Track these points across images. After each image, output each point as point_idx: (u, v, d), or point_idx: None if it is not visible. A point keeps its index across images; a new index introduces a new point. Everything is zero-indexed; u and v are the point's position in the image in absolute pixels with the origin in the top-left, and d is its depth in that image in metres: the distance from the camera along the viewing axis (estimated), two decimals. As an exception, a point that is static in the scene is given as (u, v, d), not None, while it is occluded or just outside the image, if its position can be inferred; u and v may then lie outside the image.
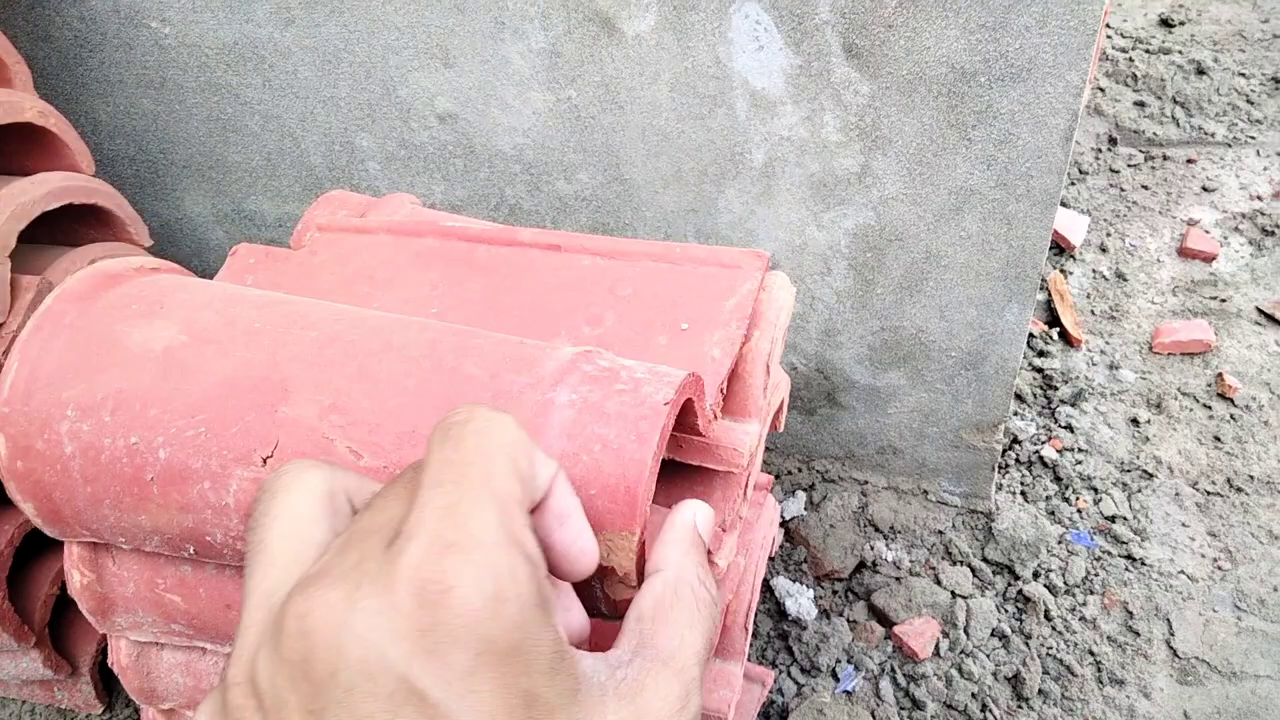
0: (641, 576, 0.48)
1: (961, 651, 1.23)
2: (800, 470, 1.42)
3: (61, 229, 1.15)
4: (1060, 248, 1.85)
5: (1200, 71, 2.24)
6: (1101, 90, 2.24)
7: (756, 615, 1.28)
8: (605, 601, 0.54)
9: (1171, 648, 1.27)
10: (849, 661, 1.22)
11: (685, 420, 0.69)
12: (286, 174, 1.29)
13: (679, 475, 0.86)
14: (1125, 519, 1.41)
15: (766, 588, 1.31)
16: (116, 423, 0.57)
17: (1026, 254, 1.09)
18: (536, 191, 1.21)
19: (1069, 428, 1.52)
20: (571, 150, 1.17)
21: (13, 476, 0.60)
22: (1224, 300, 1.75)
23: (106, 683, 1.24)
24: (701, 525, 0.46)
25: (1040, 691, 1.21)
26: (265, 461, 0.55)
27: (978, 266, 1.12)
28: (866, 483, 1.39)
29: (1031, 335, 1.67)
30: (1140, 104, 2.19)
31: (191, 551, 0.61)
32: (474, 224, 0.94)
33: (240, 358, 0.59)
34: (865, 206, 1.11)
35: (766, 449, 1.43)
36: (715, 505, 0.86)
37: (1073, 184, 2.01)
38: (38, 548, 1.13)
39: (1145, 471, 1.48)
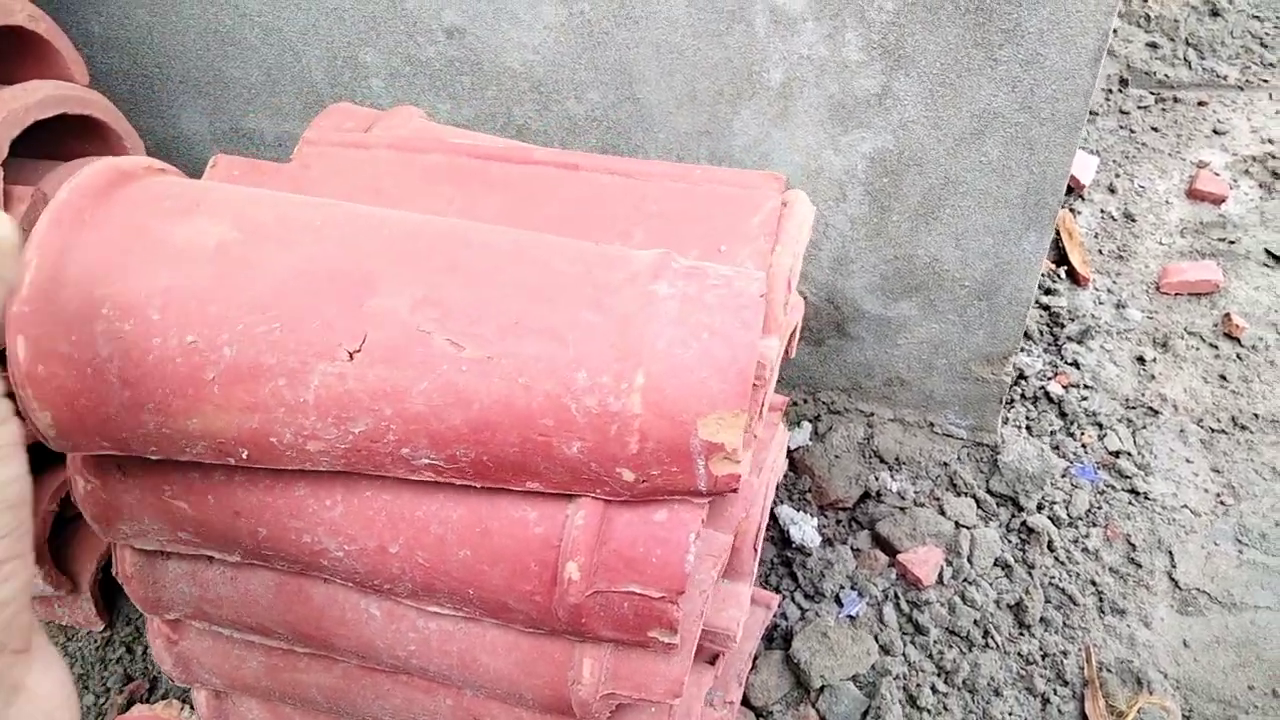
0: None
1: (965, 580, 1.24)
2: (806, 402, 1.41)
3: (52, 143, 1.11)
4: (1070, 187, 1.83)
5: (1214, 13, 2.20)
6: (1114, 31, 2.20)
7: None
8: (707, 478, 0.54)
9: (1173, 579, 1.28)
10: (853, 588, 1.23)
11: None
12: (287, 90, 1.26)
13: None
14: (1129, 454, 1.41)
15: (771, 516, 1.31)
16: (168, 321, 0.55)
17: (1047, 181, 1.07)
18: (545, 111, 1.18)
19: (1075, 364, 1.52)
20: (583, 68, 1.14)
21: (31, 383, 0.57)
22: (1233, 242, 1.74)
23: (108, 601, 1.23)
24: None
25: (1042, 619, 1.22)
26: (352, 356, 0.53)
27: (997, 193, 1.10)
28: (873, 414, 1.39)
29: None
30: (1152, 45, 2.15)
31: (244, 456, 0.59)
32: (482, 140, 0.91)
33: (308, 252, 0.57)
34: (884, 130, 1.09)
35: (773, 380, 1.42)
36: (733, 421, 0.85)
37: (1082, 123, 1.98)
38: (36, 464, 1.12)
39: (1150, 408, 1.48)
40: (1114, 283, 1.68)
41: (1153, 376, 1.53)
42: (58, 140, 1.11)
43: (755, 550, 1.02)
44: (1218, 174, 1.86)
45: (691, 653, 0.75)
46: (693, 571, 0.67)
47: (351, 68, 1.22)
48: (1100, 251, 1.74)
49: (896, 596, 1.23)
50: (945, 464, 1.36)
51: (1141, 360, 1.55)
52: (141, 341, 0.55)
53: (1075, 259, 1.66)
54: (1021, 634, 1.21)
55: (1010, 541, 1.29)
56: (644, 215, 0.78)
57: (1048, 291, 1.64)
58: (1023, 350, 1.54)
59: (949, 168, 1.09)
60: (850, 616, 1.20)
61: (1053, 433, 1.43)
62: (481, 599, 0.72)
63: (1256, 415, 1.46)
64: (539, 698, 0.78)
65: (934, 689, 1.15)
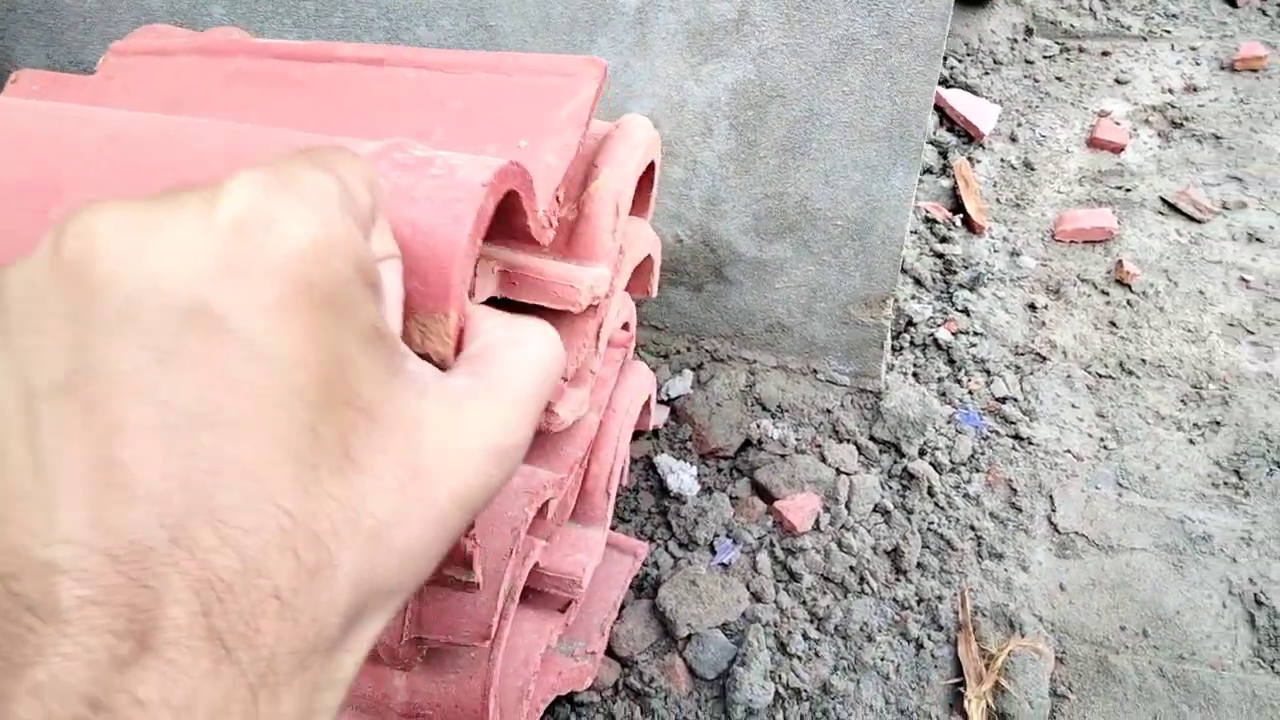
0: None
1: (842, 526, 1.22)
2: (689, 349, 1.38)
3: None
4: (970, 136, 1.81)
5: (1122, -36, 2.19)
6: (1023, -19, 2.18)
7: (638, 492, 1.25)
8: None
9: (1052, 523, 1.27)
10: (728, 536, 1.20)
11: (514, 224, 0.63)
12: (124, 19, 1.18)
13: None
14: (1015, 400, 1.40)
15: (650, 465, 1.27)
16: None
17: (910, 111, 1.04)
18: (395, 39, 1.12)
19: (965, 311, 1.50)
20: (434, -6, 1.08)
21: None
22: (1129, 190, 1.73)
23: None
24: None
25: (919, 564, 1.20)
26: None
27: (861, 125, 1.07)
28: (755, 362, 1.36)
29: (934, 221, 1.64)
30: (1060, -5, 2.14)
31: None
32: (293, 42, 0.85)
33: (2, 159, 0.52)
34: (744, 58, 1.05)
35: (654, 328, 1.38)
36: (557, 352, 0.80)
37: (986, 74, 1.96)
38: None
39: (1039, 355, 1.47)
40: (1010, 231, 1.66)
41: (1043, 323, 1.51)
42: None
43: (609, 495, 0.98)
44: (1118, 123, 1.86)
45: (502, 594, 0.71)
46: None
47: (194, -4, 1.15)
48: (998, 200, 1.72)
49: (772, 544, 1.20)
50: (828, 411, 1.33)
51: (1033, 307, 1.54)
52: None
53: (971, 207, 1.64)
54: (898, 579, 1.19)
55: (890, 488, 1.27)
56: (446, 111, 0.73)
57: (943, 240, 1.62)
58: (913, 298, 1.52)
59: (811, 99, 1.05)
60: (723, 564, 1.18)
61: (940, 379, 1.41)
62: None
63: (1144, 360, 1.46)
64: (346, 644, 0.73)
65: (805, 635, 1.12)
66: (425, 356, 0.42)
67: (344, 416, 0.25)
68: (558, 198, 0.66)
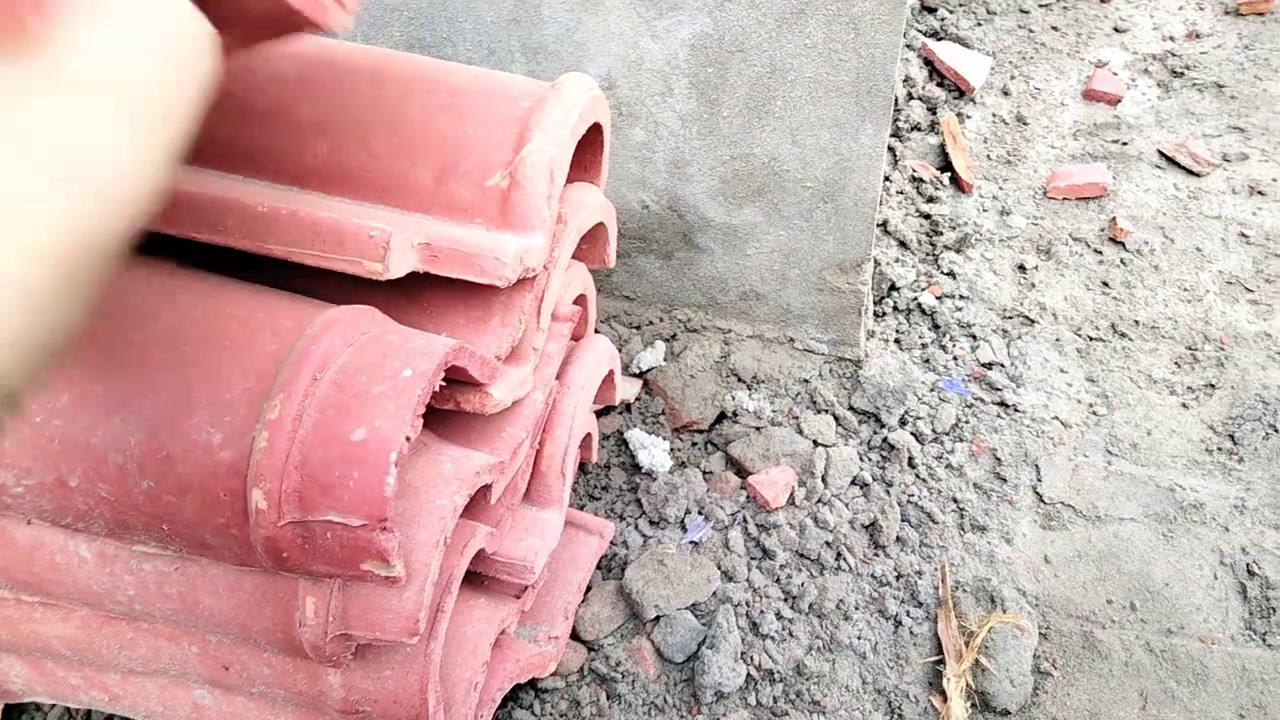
0: None
1: (818, 500, 1.18)
2: (661, 320, 1.33)
3: None
4: (960, 90, 1.74)
5: (1123, -95, 2.09)
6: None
7: (609, 469, 1.21)
8: None
9: (1038, 493, 1.22)
10: (699, 513, 1.16)
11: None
12: None
13: (453, 294, 0.76)
14: (1002, 365, 1.35)
15: (621, 440, 1.23)
16: None
17: (876, 64, 0.98)
18: (339, 1, 1.07)
19: (951, 274, 1.44)
20: (376, -48, 1.02)
21: None
22: (1125, 143, 1.66)
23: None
24: None
25: (898, 539, 1.16)
26: None
27: (826, 81, 1.01)
28: (730, 331, 1.31)
29: (921, 180, 1.57)
30: (1057, -60, 2.05)
31: None
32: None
33: None
34: (700, 11, 0.99)
35: (625, 298, 1.34)
36: (491, 329, 0.76)
37: (979, 24, 1.88)
38: None
39: (1027, 318, 1.41)
40: (1000, 189, 1.60)
41: (1033, 285, 1.46)
42: None
43: (564, 475, 0.94)
44: (1116, 73, 1.78)
45: (430, 586, 0.67)
46: (394, 496, 0.58)
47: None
48: (988, 157, 1.65)
49: (745, 520, 1.16)
50: (805, 381, 1.28)
51: (1022, 268, 1.48)
52: None
53: (959, 165, 1.58)
54: (876, 555, 1.15)
55: (870, 459, 1.23)
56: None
57: (930, 199, 1.56)
58: (897, 261, 1.46)
59: (773, 53, 0.99)
60: (694, 542, 1.14)
61: (924, 345, 1.36)
62: (178, 534, 0.64)
63: (1137, 322, 1.40)
64: (272, 641, 0.70)
65: (778, 614, 1.09)
66: None
67: None
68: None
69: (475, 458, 0.74)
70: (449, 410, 0.76)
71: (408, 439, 0.59)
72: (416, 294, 0.76)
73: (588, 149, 0.87)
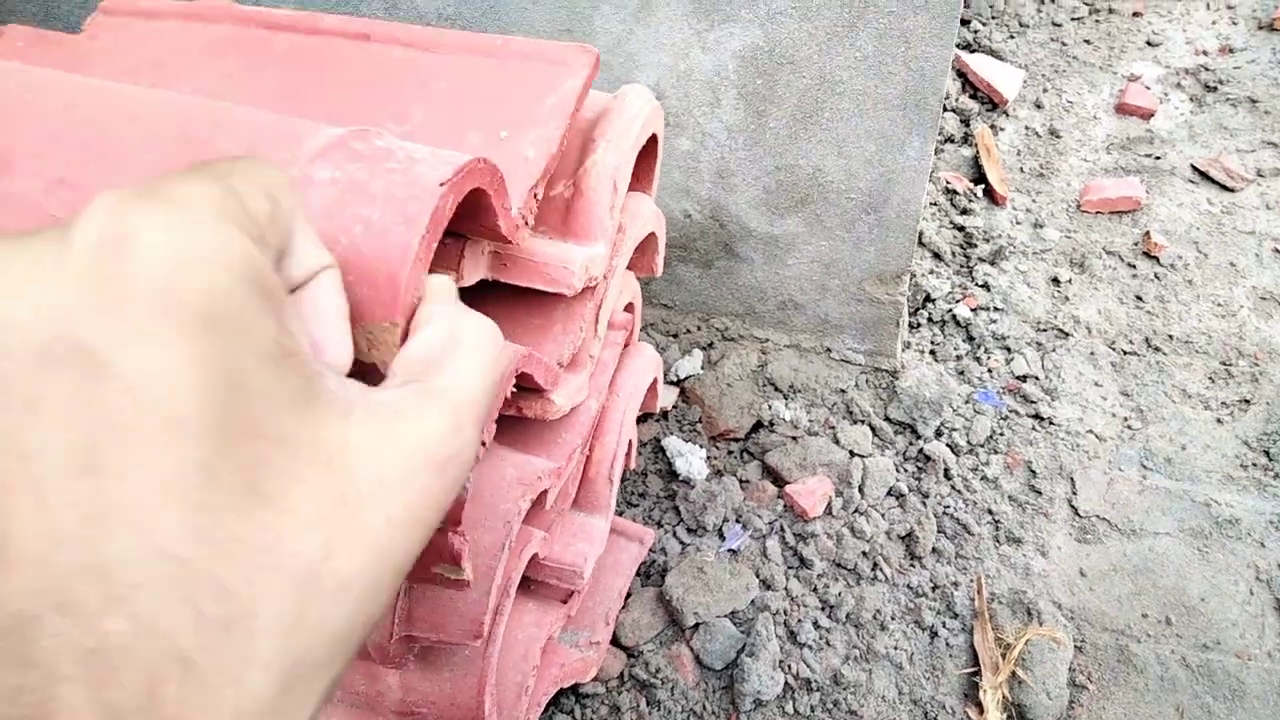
0: None
1: (855, 510, 1.18)
2: (699, 328, 1.34)
3: None
4: (993, 103, 1.74)
5: (1155, -81, 2.10)
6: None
7: (646, 476, 1.22)
8: None
9: (1073, 506, 1.23)
10: (737, 521, 1.17)
11: (485, 222, 0.60)
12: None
13: (516, 302, 0.77)
14: (1037, 378, 1.35)
15: (658, 448, 1.24)
16: None
17: (927, 78, 0.99)
18: (394, 9, 1.08)
19: (985, 286, 1.45)
20: (430, -40, 1.04)
21: None
22: (1158, 158, 1.67)
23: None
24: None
25: (934, 550, 1.17)
26: None
27: (875, 94, 1.02)
28: (767, 340, 1.32)
29: (955, 192, 1.58)
30: (1089, -47, 2.05)
31: None
32: (279, 12, 0.82)
33: None
34: (752, 23, 1.00)
35: (664, 306, 1.35)
36: (553, 337, 0.77)
37: (1011, 37, 1.89)
38: None
39: (1061, 330, 1.42)
40: (1034, 202, 1.61)
41: (1066, 298, 1.46)
42: None
43: (612, 482, 0.95)
44: (1148, 87, 1.78)
45: (495, 590, 0.68)
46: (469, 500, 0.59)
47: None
48: (1022, 169, 1.66)
49: (782, 529, 1.17)
50: (842, 391, 1.29)
51: (1056, 281, 1.48)
52: None
53: (993, 177, 1.58)
54: (912, 565, 1.16)
55: (905, 470, 1.24)
56: (428, 93, 0.69)
57: (963, 211, 1.57)
58: (932, 272, 1.47)
59: (823, 65, 1.00)
60: (732, 550, 1.15)
61: (958, 357, 1.37)
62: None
63: (1171, 336, 1.41)
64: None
65: (816, 624, 1.10)
66: (371, 367, 0.38)
67: (249, 449, 0.22)
68: (535, 195, 0.62)
69: (535, 463, 0.75)
70: (508, 416, 0.77)
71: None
72: (479, 302, 0.77)
73: (642, 159, 0.88)
